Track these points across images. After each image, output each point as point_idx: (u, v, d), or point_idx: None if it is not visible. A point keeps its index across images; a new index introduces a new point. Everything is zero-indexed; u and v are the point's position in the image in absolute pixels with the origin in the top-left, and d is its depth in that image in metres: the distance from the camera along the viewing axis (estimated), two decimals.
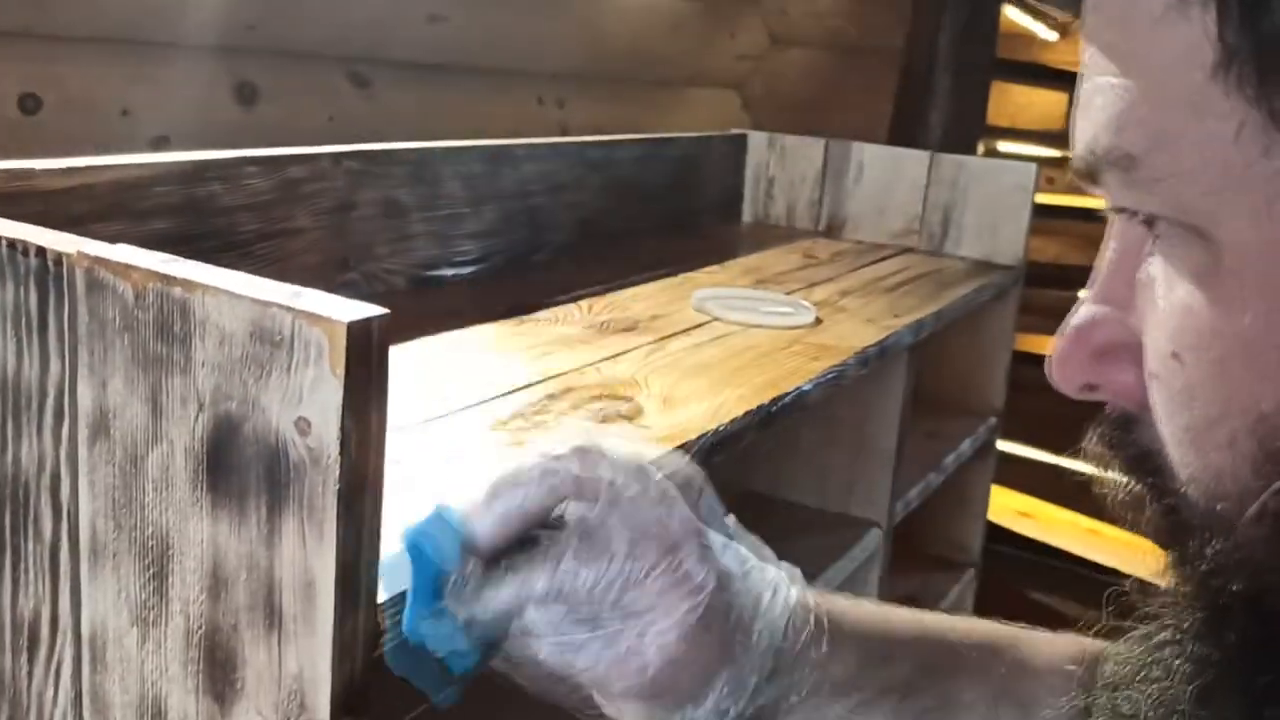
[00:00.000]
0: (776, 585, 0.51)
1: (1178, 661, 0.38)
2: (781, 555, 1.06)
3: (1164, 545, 0.39)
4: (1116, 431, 0.40)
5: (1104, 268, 0.39)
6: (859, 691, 0.53)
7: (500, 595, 0.46)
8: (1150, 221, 0.36)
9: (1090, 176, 0.36)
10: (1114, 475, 0.40)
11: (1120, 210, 0.37)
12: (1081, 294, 0.41)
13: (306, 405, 0.44)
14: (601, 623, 0.46)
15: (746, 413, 0.81)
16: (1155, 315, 0.36)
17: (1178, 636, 0.38)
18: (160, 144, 1.04)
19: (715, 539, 0.50)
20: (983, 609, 1.63)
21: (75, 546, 0.52)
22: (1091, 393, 0.40)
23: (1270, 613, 0.34)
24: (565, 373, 0.86)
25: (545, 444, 0.49)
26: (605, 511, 0.47)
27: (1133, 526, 0.39)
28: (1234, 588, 0.35)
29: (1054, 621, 0.61)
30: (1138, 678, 0.41)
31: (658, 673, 0.47)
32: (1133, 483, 0.39)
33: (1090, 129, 0.36)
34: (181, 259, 0.48)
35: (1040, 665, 0.59)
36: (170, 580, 0.49)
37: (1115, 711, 0.45)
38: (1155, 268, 0.36)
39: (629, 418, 0.77)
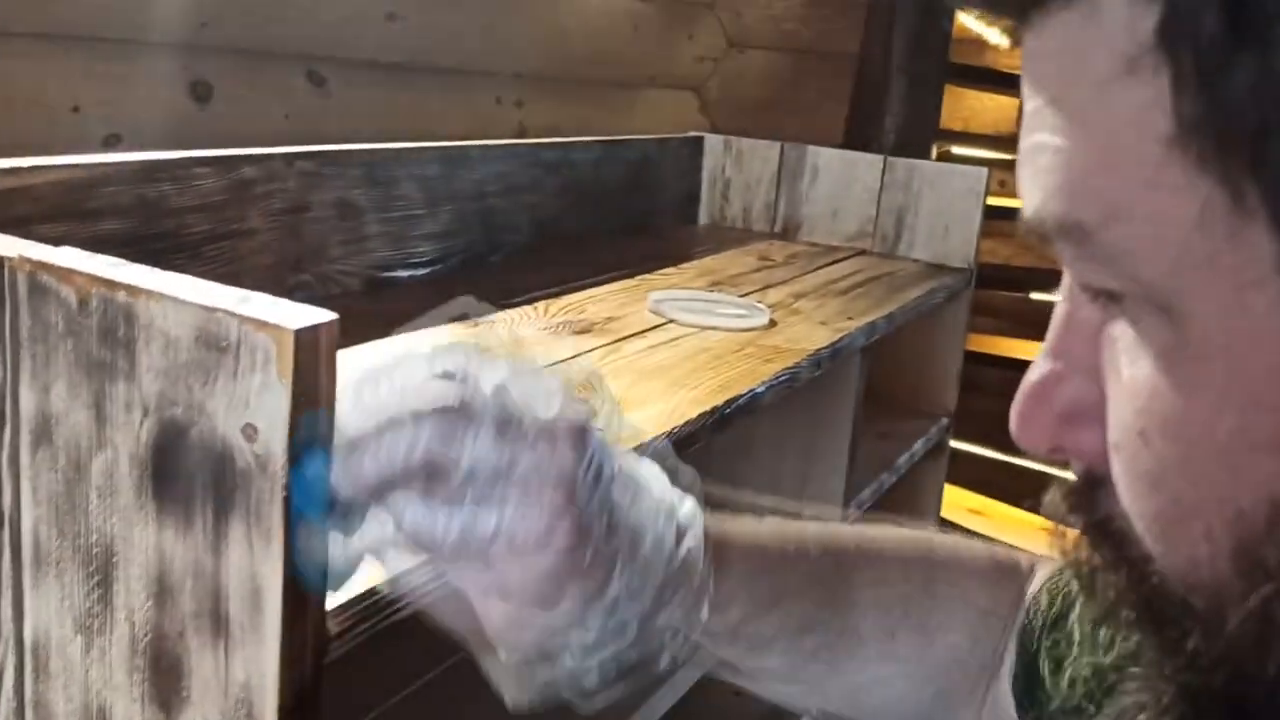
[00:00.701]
0: (665, 524, 0.48)
1: None
2: None
3: (1135, 617, 0.36)
4: (1080, 494, 0.37)
5: (1058, 321, 0.36)
6: (748, 638, 0.53)
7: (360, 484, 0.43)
8: (1111, 296, 0.32)
9: (1042, 241, 0.33)
10: (1075, 536, 0.37)
11: (1083, 284, 0.34)
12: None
13: (254, 411, 0.44)
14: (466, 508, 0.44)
15: (701, 414, 0.81)
16: (1119, 384, 0.33)
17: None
18: (112, 143, 1.03)
19: (602, 474, 0.46)
20: None
21: (17, 554, 0.52)
22: (1061, 454, 0.37)
23: (1252, 713, 0.32)
24: None
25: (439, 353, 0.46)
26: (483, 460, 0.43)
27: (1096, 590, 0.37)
28: (1214, 685, 0.32)
29: None
30: None
31: (519, 602, 0.45)
32: (1097, 551, 0.36)
33: (1038, 192, 0.32)
34: (126, 263, 0.48)
35: (954, 582, 0.59)
36: (115, 588, 0.49)
37: None
38: (1119, 330, 0.33)
39: None
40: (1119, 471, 0.33)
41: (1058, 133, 0.31)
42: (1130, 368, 0.32)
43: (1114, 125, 0.29)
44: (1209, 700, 0.33)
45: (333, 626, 0.48)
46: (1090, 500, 0.36)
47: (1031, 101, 0.33)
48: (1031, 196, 0.33)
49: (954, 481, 1.89)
